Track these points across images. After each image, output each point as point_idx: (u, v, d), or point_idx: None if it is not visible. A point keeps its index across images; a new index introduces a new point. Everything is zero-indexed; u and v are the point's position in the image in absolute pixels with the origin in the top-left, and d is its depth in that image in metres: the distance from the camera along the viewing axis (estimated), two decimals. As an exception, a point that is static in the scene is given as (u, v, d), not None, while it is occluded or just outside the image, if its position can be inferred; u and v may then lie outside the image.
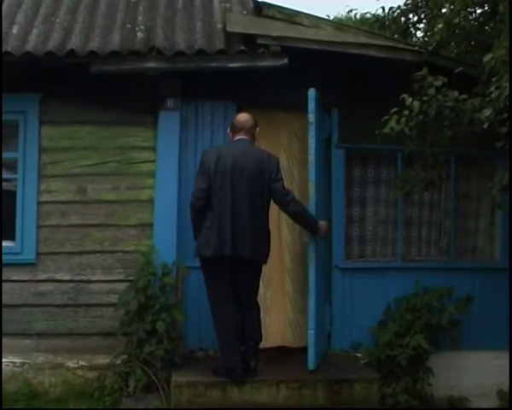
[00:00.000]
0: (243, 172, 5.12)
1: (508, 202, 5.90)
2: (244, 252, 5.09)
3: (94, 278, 5.98)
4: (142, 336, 5.35)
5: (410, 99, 5.14)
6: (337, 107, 6.36)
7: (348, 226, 6.51)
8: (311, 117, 5.49)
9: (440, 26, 5.67)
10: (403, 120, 5.24)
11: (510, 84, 4.74)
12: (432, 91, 5.21)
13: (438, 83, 5.22)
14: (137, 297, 5.37)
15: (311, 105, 5.48)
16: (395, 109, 5.22)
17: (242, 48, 5.60)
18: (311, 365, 5.39)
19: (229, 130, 5.49)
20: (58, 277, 5.96)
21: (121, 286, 5.76)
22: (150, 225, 5.97)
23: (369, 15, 9.56)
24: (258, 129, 5.45)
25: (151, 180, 6.01)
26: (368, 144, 6.32)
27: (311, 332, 5.41)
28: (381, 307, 6.28)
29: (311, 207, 5.44)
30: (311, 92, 5.47)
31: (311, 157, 5.48)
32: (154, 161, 6.01)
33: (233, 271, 5.20)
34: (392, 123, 5.19)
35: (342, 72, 6.14)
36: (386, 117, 5.27)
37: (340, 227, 6.36)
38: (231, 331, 5.21)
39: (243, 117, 5.40)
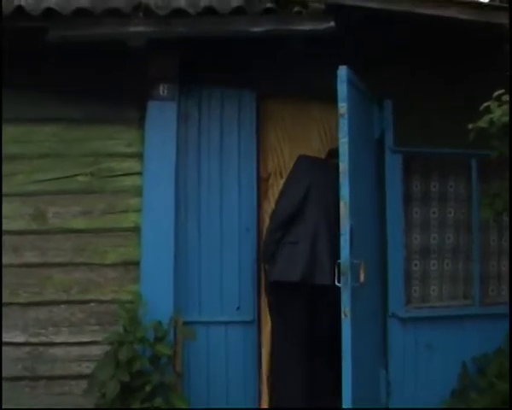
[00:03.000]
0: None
1: None
2: None
3: (58, 339, 4.27)
4: (126, 433, 3.59)
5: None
6: (392, 97, 4.66)
7: (407, 259, 4.79)
8: (343, 107, 3.80)
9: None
10: (505, 108, 3.56)
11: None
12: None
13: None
14: (118, 376, 3.60)
15: (342, 90, 3.81)
16: (500, 92, 3.54)
17: (269, 5, 3.94)
18: None
19: None
20: (8, 338, 4.24)
21: (97, 350, 4.13)
22: (136, 264, 4.28)
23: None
24: None
25: (137, 200, 4.34)
26: (431, 147, 4.73)
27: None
28: (454, 369, 4.62)
29: (345, 232, 3.72)
30: (342, 71, 3.82)
31: (344, 164, 3.78)
32: (140, 174, 4.35)
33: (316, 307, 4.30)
34: (496, 112, 3.49)
35: (400, 48, 4.54)
36: (486, 104, 3.58)
37: (398, 260, 4.67)
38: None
39: None
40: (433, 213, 4.91)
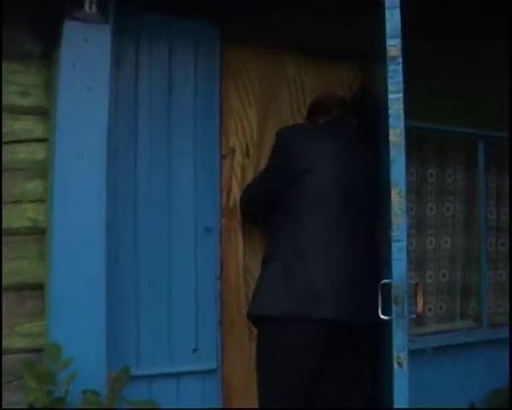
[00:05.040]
0: (358, 177, 2.98)
1: None
2: (365, 316, 2.73)
3: None
4: None
5: None
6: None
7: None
8: (395, 46, 2.36)
9: None
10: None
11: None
12: None
13: None
14: None
15: (394, 19, 2.32)
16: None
17: None
18: None
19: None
20: None
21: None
22: (37, 289, 2.65)
23: None
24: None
25: (37, 184, 2.70)
26: (432, 123, 3.62)
27: None
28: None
29: (401, 238, 2.36)
30: None
31: (397, 132, 2.40)
32: (45, 141, 2.70)
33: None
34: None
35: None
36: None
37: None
38: None
39: (333, 93, 3.37)
40: (430, 209, 3.79)
